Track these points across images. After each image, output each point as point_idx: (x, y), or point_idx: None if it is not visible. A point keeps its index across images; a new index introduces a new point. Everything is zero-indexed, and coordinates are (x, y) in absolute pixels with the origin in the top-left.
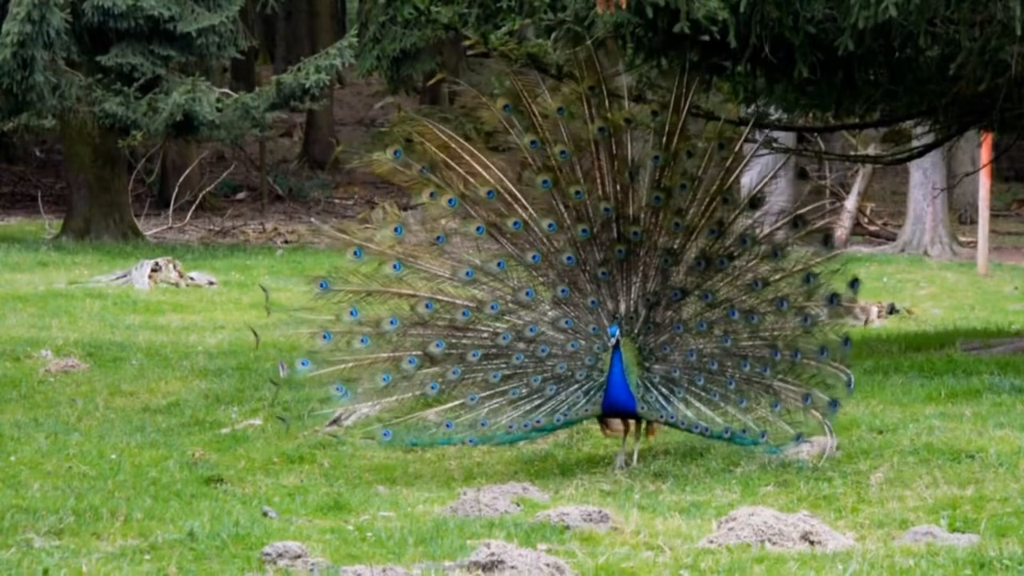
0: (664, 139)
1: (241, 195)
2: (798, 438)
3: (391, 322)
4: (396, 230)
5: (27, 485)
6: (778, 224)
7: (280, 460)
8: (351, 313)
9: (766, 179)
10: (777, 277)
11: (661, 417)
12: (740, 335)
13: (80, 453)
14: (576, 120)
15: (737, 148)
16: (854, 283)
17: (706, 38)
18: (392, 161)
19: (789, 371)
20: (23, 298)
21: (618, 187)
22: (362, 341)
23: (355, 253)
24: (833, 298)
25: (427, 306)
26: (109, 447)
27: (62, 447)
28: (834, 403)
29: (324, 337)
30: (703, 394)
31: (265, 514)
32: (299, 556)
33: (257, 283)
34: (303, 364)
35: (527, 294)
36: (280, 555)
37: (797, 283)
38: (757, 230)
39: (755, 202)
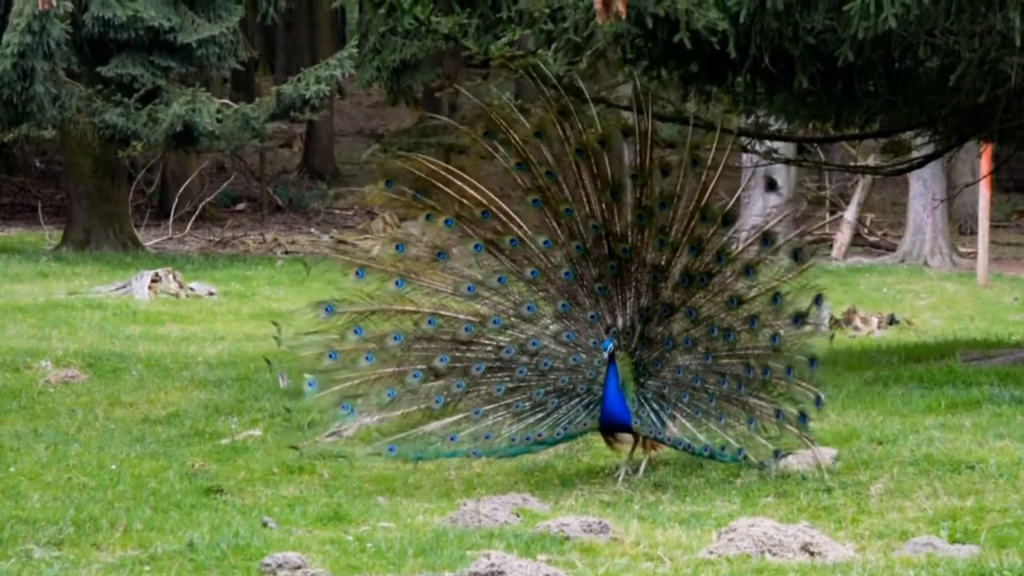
0: (637, 159)
1: (241, 206)
2: (776, 454)
3: (395, 338)
4: (397, 248)
5: (27, 496)
6: (749, 241)
7: (280, 471)
8: (355, 332)
9: (737, 194)
10: (751, 295)
11: (651, 433)
12: (719, 352)
13: (80, 464)
14: (555, 143)
15: (711, 163)
16: (818, 299)
17: (697, 49)
18: (384, 191)
19: (761, 388)
20: (23, 309)
21: (603, 205)
22: (367, 358)
23: (357, 273)
24: (798, 319)
25: (430, 322)
26: (109, 458)
27: (62, 458)
28: (803, 417)
29: (330, 356)
30: (688, 410)
31: (265, 525)
32: (299, 567)
33: (269, 288)
34: (310, 385)
35: (528, 308)
36: (280, 566)
37: (766, 302)
38: (732, 247)
39: (728, 219)
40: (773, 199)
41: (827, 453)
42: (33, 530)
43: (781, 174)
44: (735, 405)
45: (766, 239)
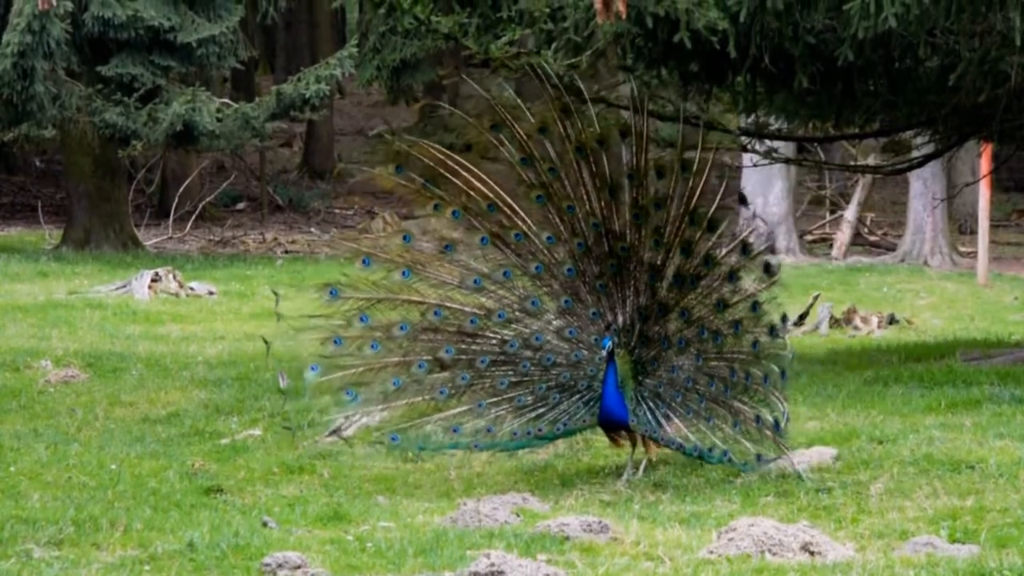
0: (633, 160)
1: (241, 205)
2: (759, 458)
3: (401, 327)
4: (405, 238)
5: (27, 495)
6: (731, 247)
7: (280, 470)
8: (361, 319)
9: (716, 201)
10: (735, 300)
11: (646, 431)
12: (709, 354)
13: (80, 463)
14: (557, 140)
15: (696, 168)
16: (784, 318)
17: (697, 49)
18: (394, 176)
19: (743, 392)
20: (23, 308)
21: (602, 203)
22: (372, 346)
23: (364, 262)
24: (772, 330)
25: (436, 313)
26: (109, 457)
27: (62, 457)
28: (777, 425)
29: (335, 342)
30: (680, 410)
31: (265, 524)
32: (299, 567)
33: (269, 289)
34: (313, 369)
35: (533, 303)
36: (280, 565)
37: (747, 309)
38: (717, 251)
39: (713, 224)
40: (744, 212)
41: (827, 453)
42: (33, 530)
43: (778, 181)
44: (722, 407)
45: (744, 248)
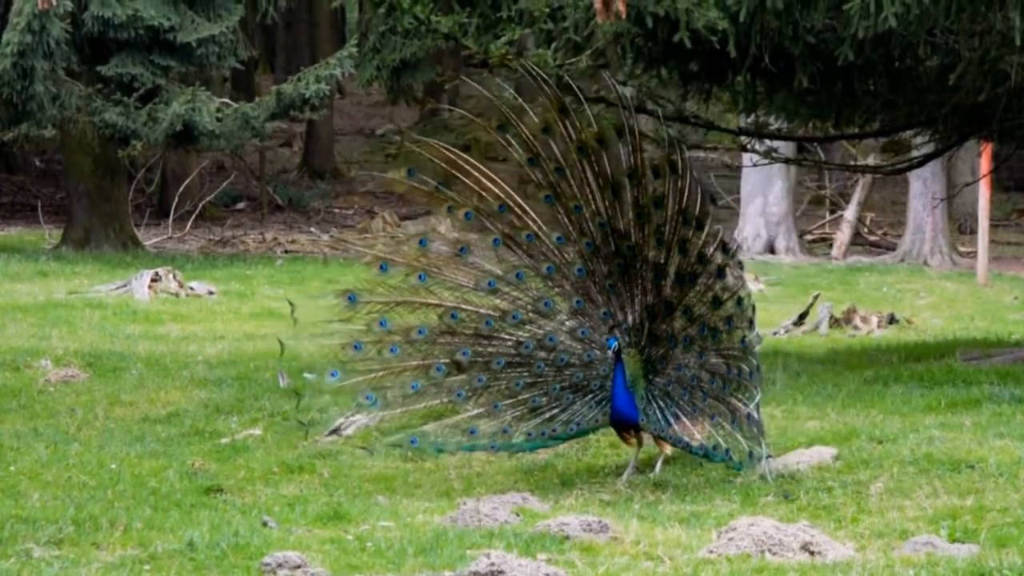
0: (630, 159)
1: (241, 205)
2: (751, 455)
3: (420, 331)
4: (421, 242)
5: (27, 495)
6: (714, 246)
7: (280, 470)
8: (380, 323)
9: (699, 199)
10: (725, 297)
11: (655, 430)
12: (709, 351)
13: (80, 463)
14: (559, 140)
15: (680, 168)
16: (754, 310)
17: (697, 48)
18: (407, 179)
19: (737, 389)
20: (23, 308)
21: (606, 203)
22: (392, 350)
23: (381, 267)
24: (751, 324)
25: (453, 316)
26: (109, 457)
27: (62, 457)
28: (759, 424)
29: (355, 347)
30: (688, 408)
31: (265, 524)
32: (299, 566)
33: (268, 288)
34: (333, 375)
35: (546, 304)
36: (280, 565)
37: (735, 305)
38: (707, 249)
39: (700, 223)
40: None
41: (827, 452)
42: (33, 529)
43: (778, 181)
44: (723, 404)
45: (725, 247)
